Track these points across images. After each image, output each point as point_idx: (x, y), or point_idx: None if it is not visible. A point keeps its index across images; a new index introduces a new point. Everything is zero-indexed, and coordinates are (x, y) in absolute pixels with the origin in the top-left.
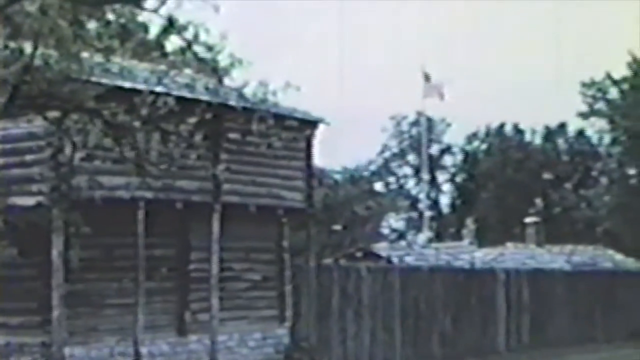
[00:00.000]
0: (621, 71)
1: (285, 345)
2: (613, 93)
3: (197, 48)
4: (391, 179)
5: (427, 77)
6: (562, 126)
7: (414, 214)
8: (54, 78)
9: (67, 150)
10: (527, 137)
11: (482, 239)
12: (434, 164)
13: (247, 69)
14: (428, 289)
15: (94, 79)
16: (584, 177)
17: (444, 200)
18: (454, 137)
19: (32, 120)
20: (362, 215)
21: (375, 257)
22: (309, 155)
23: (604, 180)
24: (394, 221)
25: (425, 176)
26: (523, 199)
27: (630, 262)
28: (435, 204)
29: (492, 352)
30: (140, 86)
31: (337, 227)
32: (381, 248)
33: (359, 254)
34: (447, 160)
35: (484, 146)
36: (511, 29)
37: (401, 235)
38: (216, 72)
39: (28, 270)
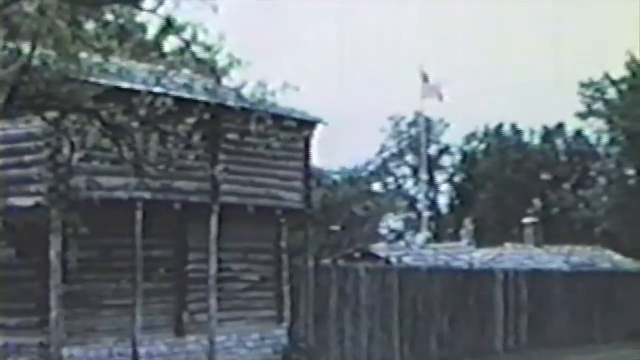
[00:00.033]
0: (621, 72)
1: (284, 345)
2: (611, 93)
3: (195, 48)
4: (390, 180)
5: (425, 78)
6: (561, 127)
7: (413, 215)
8: (53, 78)
9: (66, 150)
10: (526, 137)
11: (480, 240)
12: (433, 164)
13: (245, 69)
14: (426, 290)
15: (92, 79)
16: (583, 177)
17: (443, 201)
18: (453, 137)
19: (30, 120)
20: (360, 216)
21: (373, 258)
22: (307, 156)
23: (602, 180)
24: (393, 222)
25: (424, 177)
26: (521, 200)
27: (628, 263)
28: (433, 205)
29: (491, 352)
30: (139, 87)
31: (336, 228)
32: (380, 248)
33: (357, 255)
34: (446, 160)
35: (482, 147)
36: (510, 29)
37: (400, 236)
38: (215, 72)
39: (26, 271)
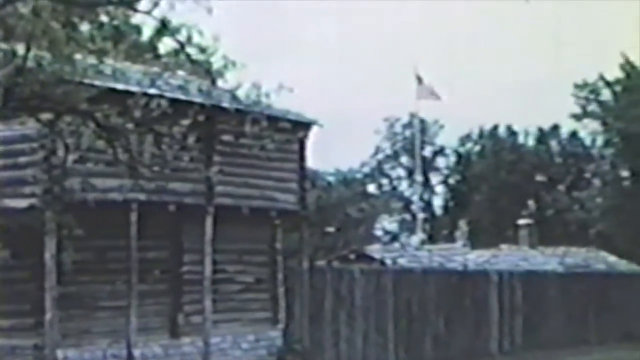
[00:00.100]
0: (619, 73)
1: (278, 347)
2: (606, 95)
3: (190, 50)
4: (384, 181)
5: (419, 79)
6: (555, 128)
7: (407, 216)
8: (47, 80)
9: (60, 152)
10: (520, 139)
11: (475, 241)
12: (427, 165)
13: (240, 70)
14: (421, 291)
15: (86, 81)
16: (577, 179)
17: (437, 202)
18: (447, 139)
19: (25, 122)
20: (355, 217)
21: (368, 259)
22: (302, 157)
23: (597, 182)
24: (387, 223)
25: (419, 178)
26: (516, 201)
27: (623, 264)
28: (428, 206)
29: (485, 354)
30: (133, 88)
31: (330, 229)
32: (374, 250)
33: (352, 256)
34: (440, 162)
35: (477, 148)
36: (507, 30)
37: (394, 237)
38: (209, 74)
39: (21, 273)
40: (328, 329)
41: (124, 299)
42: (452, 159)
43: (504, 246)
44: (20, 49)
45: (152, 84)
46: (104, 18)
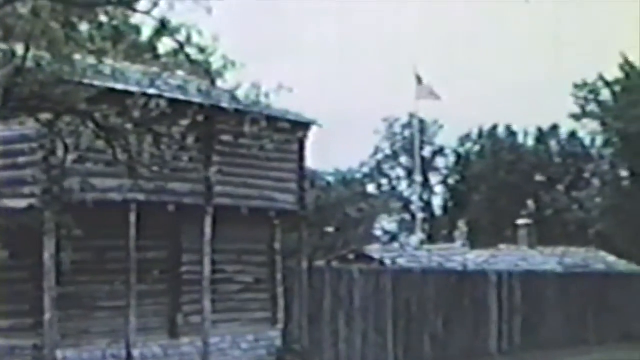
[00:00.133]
0: (618, 73)
1: (278, 347)
2: (605, 95)
3: (189, 50)
4: (384, 181)
5: (419, 79)
6: (555, 128)
7: (407, 216)
8: (46, 80)
9: (59, 152)
10: (520, 139)
11: (474, 241)
12: (427, 166)
13: (239, 71)
14: (420, 291)
15: (86, 81)
16: (576, 179)
17: (437, 202)
18: (447, 139)
19: (24, 122)
20: (354, 217)
21: (367, 259)
22: (301, 157)
23: (596, 182)
24: (387, 223)
25: (418, 178)
26: (515, 201)
27: (622, 264)
28: (427, 206)
29: (484, 354)
30: (133, 88)
31: (330, 229)
32: (373, 250)
33: (351, 256)
34: (440, 162)
35: (476, 148)
36: (505, 30)
37: (394, 237)
38: (209, 74)
39: (20, 273)
40: (327, 329)
41: (123, 299)
42: (452, 159)
43: (503, 246)
44: (20, 49)
45: (152, 84)
46: (103, 18)
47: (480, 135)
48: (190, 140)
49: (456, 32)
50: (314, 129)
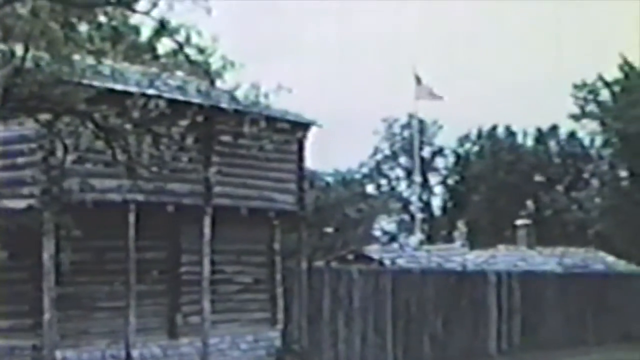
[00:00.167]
0: (618, 73)
1: (277, 347)
2: (604, 95)
3: (188, 50)
4: (383, 182)
5: (418, 80)
6: (554, 128)
7: (406, 217)
8: (45, 80)
9: (59, 153)
10: (519, 139)
11: (473, 241)
12: (426, 166)
13: (239, 71)
14: (419, 292)
15: (85, 81)
16: (576, 179)
17: (436, 203)
18: (446, 139)
19: (23, 122)
20: (353, 218)
21: (366, 260)
22: (300, 158)
23: (595, 182)
24: (386, 223)
25: (417, 178)
26: (514, 201)
27: (621, 264)
28: (427, 207)
29: (484, 354)
30: (132, 89)
31: (329, 230)
32: (373, 250)
33: (350, 257)
34: (439, 162)
35: (475, 148)
36: (505, 31)
37: (393, 238)
38: (208, 74)
39: (19, 273)
40: (326, 330)
41: (123, 299)
42: (451, 159)
43: (502, 246)
44: (19, 49)
45: (151, 85)
46: (102, 18)
47: (479, 135)
48: (189, 140)
49: (455, 32)
50: (313, 129)
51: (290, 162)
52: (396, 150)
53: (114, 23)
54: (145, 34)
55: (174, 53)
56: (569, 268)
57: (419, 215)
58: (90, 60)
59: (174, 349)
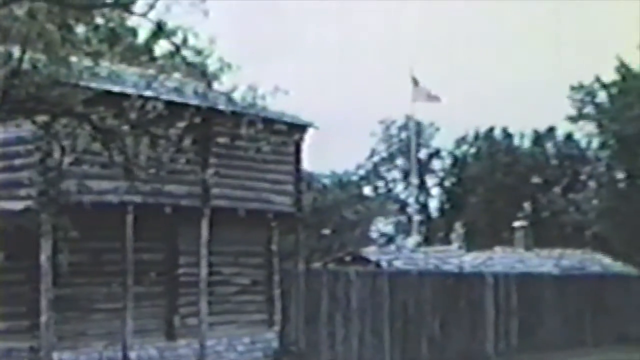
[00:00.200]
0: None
1: (274, 349)
2: (602, 97)
3: (185, 52)
4: (380, 183)
5: (415, 82)
6: (551, 130)
7: (403, 218)
8: (43, 82)
9: (56, 154)
10: (516, 141)
11: (470, 243)
12: (423, 168)
13: (236, 73)
14: (417, 293)
15: (82, 83)
16: (573, 181)
17: (433, 204)
18: (443, 141)
19: (20, 124)
20: (351, 220)
21: (364, 261)
22: (298, 160)
23: (592, 184)
24: (383, 225)
25: (414, 180)
26: (512, 203)
27: (618, 266)
28: (424, 208)
29: (481, 356)
30: (129, 90)
31: (326, 231)
32: (370, 252)
33: (347, 258)
34: (436, 164)
35: (472, 150)
36: (502, 31)
37: (390, 240)
38: (205, 76)
39: (16, 275)
40: (324, 331)
41: (120, 301)
42: (448, 161)
43: (499, 248)
44: (16, 51)
45: (148, 86)
46: (99, 20)
47: (476, 137)
48: (186, 142)
49: (453, 33)
50: (310, 131)
51: (287, 163)
52: (393, 152)
53: (111, 25)
54: (143, 35)
55: (171, 55)
56: (566, 270)
57: (416, 217)
58: (88, 62)
59: (171, 350)
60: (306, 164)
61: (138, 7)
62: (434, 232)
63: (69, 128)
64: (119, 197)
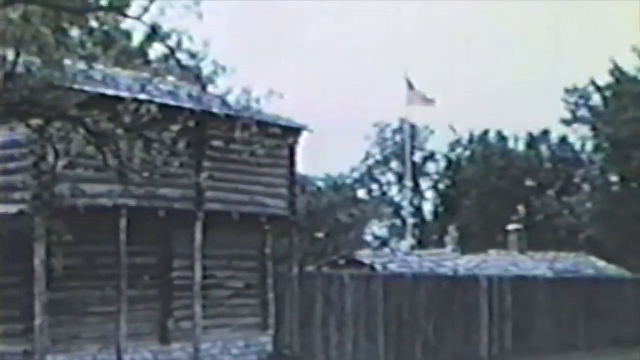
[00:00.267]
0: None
1: (268, 352)
2: (596, 99)
3: (180, 55)
4: (374, 186)
5: (410, 85)
6: (545, 133)
7: (397, 221)
8: (37, 85)
9: (50, 157)
10: (510, 144)
11: (464, 246)
12: (417, 171)
13: (230, 76)
14: (411, 296)
15: (76, 86)
16: (567, 184)
17: (427, 207)
18: (437, 144)
19: (14, 127)
20: (345, 223)
21: (358, 265)
22: (292, 163)
23: (586, 187)
24: (377, 228)
25: (408, 183)
26: (505, 206)
27: (612, 269)
28: (418, 211)
29: (475, 359)
30: (123, 93)
31: (320, 235)
32: (364, 255)
33: (341, 261)
34: (430, 167)
35: (466, 153)
36: (498, 35)
37: (384, 243)
38: (199, 79)
39: (10, 278)
40: (318, 335)
41: (114, 304)
42: (442, 164)
43: (493, 251)
44: (10, 54)
45: (142, 90)
46: (93, 23)
47: (470, 140)
48: (180, 145)
49: (449, 36)
50: (304, 134)
51: (281, 166)
52: (387, 155)
53: (105, 28)
54: (137, 39)
55: (165, 58)
56: (560, 273)
57: (410, 220)
58: (82, 65)
59: (165, 354)
60: (300, 167)
61: (132, 10)
62: (428, 235)
63: (63, 131)
64: (113, 201)
